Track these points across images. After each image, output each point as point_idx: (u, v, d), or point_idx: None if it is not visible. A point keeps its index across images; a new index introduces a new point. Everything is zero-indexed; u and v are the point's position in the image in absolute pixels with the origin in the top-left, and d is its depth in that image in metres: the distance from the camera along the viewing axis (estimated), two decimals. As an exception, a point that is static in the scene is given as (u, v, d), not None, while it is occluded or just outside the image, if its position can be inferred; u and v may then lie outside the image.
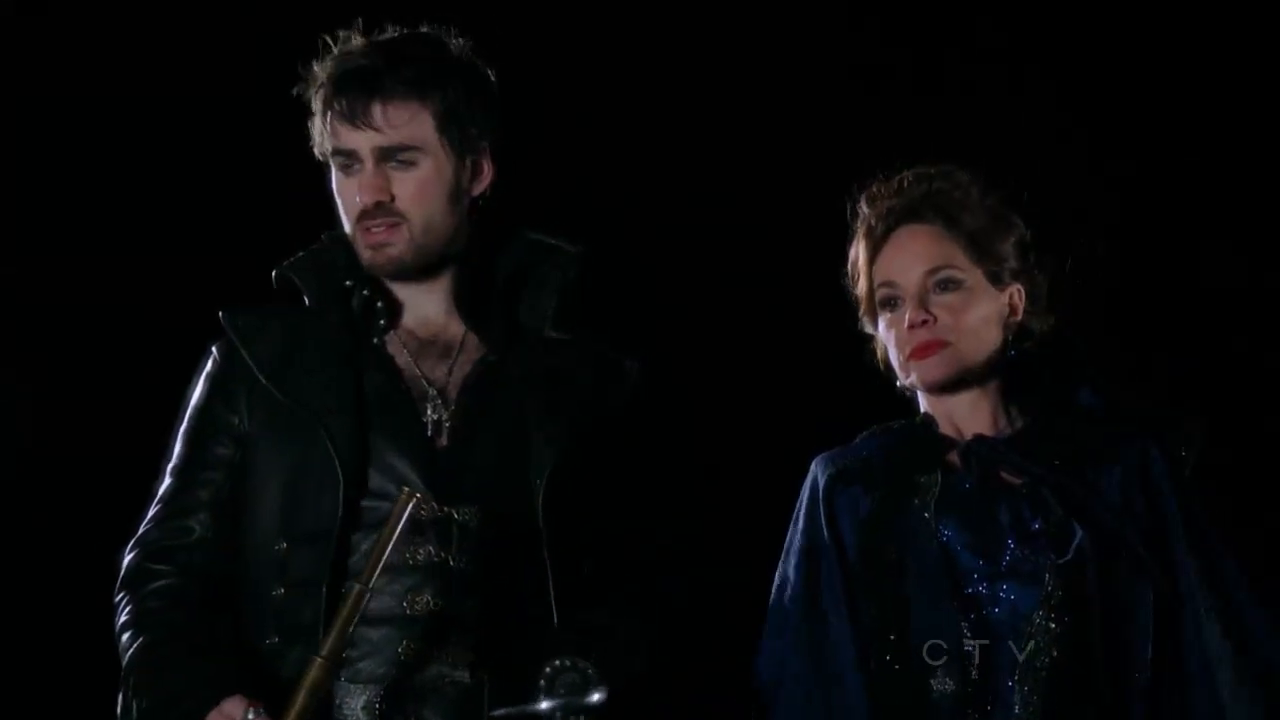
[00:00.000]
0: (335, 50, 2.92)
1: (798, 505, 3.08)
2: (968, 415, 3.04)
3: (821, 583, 2.96)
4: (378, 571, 2.69)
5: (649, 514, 3.00)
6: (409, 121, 2.86)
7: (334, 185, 2.93)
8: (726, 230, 3.88)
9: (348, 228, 2.93)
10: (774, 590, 3.03)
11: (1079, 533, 2.86)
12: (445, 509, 2.85)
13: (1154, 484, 2.95)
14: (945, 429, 3.06)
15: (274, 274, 3.00)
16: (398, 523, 2.69)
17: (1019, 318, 3.07)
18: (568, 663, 2.67)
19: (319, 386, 2.89)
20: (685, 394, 3.22)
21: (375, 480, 2.86)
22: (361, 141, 2.87)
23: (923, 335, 2.99)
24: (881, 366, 3.14)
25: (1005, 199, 3.09)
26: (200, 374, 2.98)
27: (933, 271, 3.01)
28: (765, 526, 3.13)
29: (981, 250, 3.03)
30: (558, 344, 3.01)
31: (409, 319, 3.00)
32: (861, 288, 3.09)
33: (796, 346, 3.82)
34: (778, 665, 2.97)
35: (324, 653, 2.67)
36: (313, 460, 2.85)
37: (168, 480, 2.93)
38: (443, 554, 2.84)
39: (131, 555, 2.89)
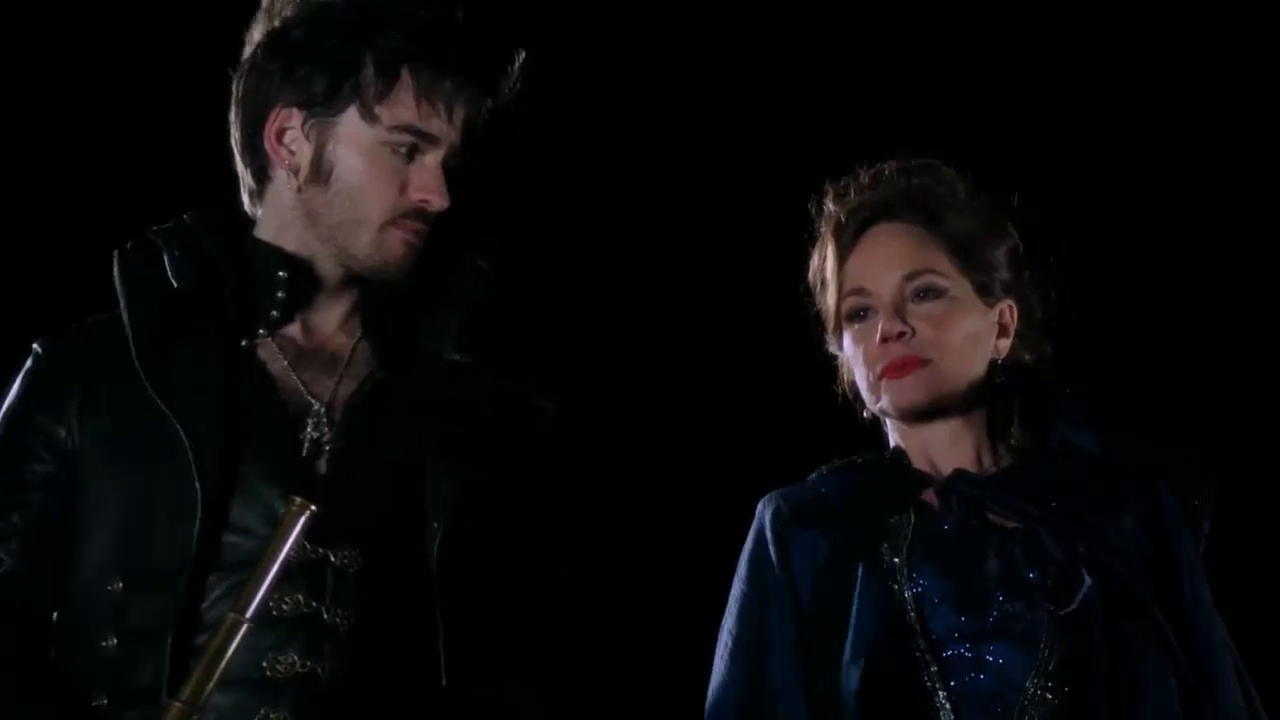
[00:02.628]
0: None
1: (743, 556, 2.60)
2: (947, 449, 2.58)
3: (771, 641, 2.48)
4: (257, 600, 2.20)
5: (564, 578, 2.51)
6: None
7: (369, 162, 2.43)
8: (663, 246, 3.38)
9: (376, 214, 2.44)
10: (718, 657, 2.54)
11: (1086, 581, 2.39)
12: (320, 550, 2.34)
13: (1170, 539, 2.48)
14: (919, 464, 2.59)
15: (130, 245, 2.46)
16: (287, 538, 2.20)
17: (1010, 340, 2.61)
18: None
19: (190, 386, 2.38)
20: (607, 440, 2.71)
21: (237, 511, 2.35)
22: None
23: (898, 350, 2.52)
24: (848, 392, 2.68)
25: (996, 202, 2.63)
26: (18, 375, 2.47)
27: (911, 277, 2.55)
28: (706, 589, 2.64)
29: (969, 256, 2.58)
30: (460, 369, 2.52)
31: (293, 322, 2.49)
32: (827, 299, 2.63)
33: (740, 379, 3.31)
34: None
35: (183, 696, 2.17)
36: (165, 481, 2.33)
37: None
38: (314, 604, 2.33)
39: None
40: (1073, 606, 2.38)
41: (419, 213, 2.46)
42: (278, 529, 2.22)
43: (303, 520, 2.21)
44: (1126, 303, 3.23)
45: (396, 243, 2.46)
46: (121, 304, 2.41)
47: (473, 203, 2.52)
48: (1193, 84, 3.40)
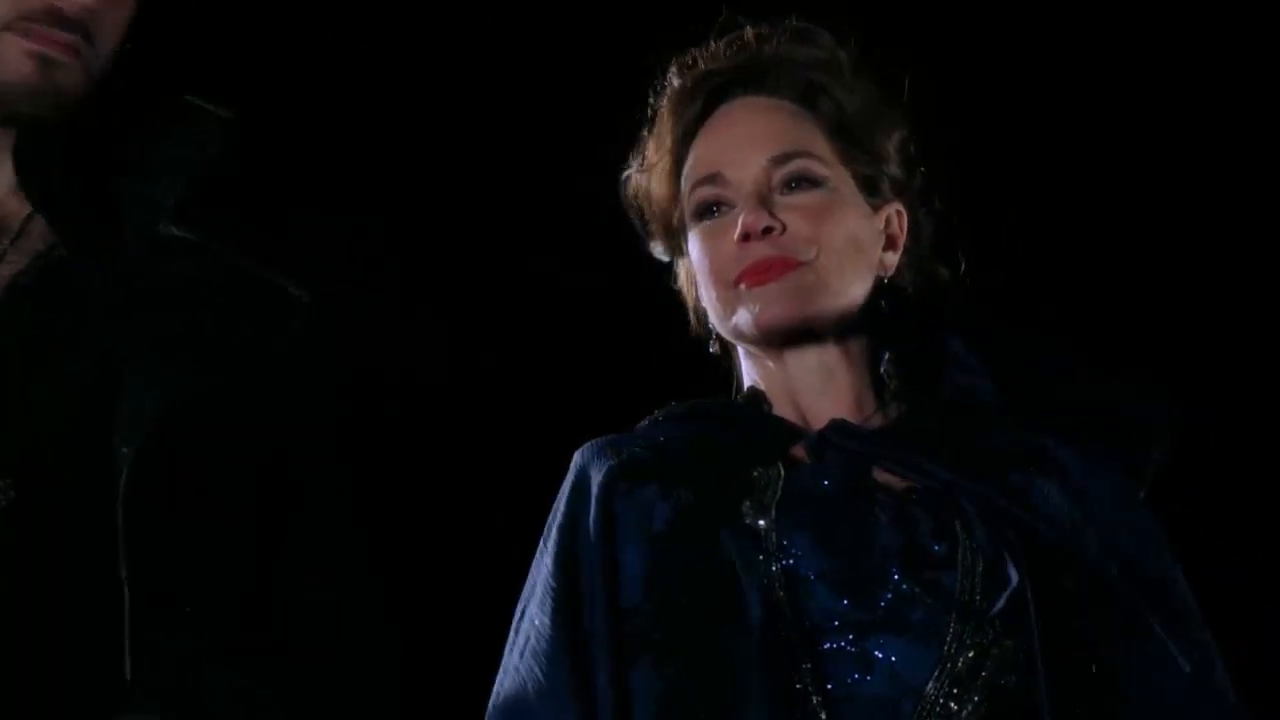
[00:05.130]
0: None
1: (551, 519, 1.96)
2: (818, 390, 1.98)
3: (586, 627, 1.85)
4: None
5: (319, 531, 1.88)
6: None
7: None
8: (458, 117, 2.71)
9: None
10: (511, 642, 1.90)
11: (1012, 574, 1.80)
12: None
13: (1112, 500, 1.90)
14: (783, 411, 1.99)
15: None
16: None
17: (898, 255, 2.03)
18: None
19: None
20: (381, 346, 2.05)
21: None
22: None
23: (763, 250, 1.93)
24: (692, 317, 2.07)
25: (886, 81, 2.05)
26: None
27: (781, 160, 1.96)
28: (499, 552, 2.00)
29: (853, 140, 2.00)
30: (180, 248, 1.89)
31: None
32: (660, 192, 2.02)
33: (550, 291, 2.66)
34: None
35: None
36: None
37: None
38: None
39: None
40: (1000, 604, 1.79)
41: (51, 13, 1.81)
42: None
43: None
44: (1039, 218, 2.61)
45: (18, 55, 1.82)
46: None
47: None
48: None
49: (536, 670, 1.84)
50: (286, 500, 1.87)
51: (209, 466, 1.79)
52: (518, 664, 1.87)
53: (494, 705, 1.90)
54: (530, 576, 1.94)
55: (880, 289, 2.01)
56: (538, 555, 1.94)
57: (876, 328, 2.02)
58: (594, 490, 1.91)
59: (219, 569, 1.80)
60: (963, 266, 2.06)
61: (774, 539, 1.84)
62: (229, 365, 1.84)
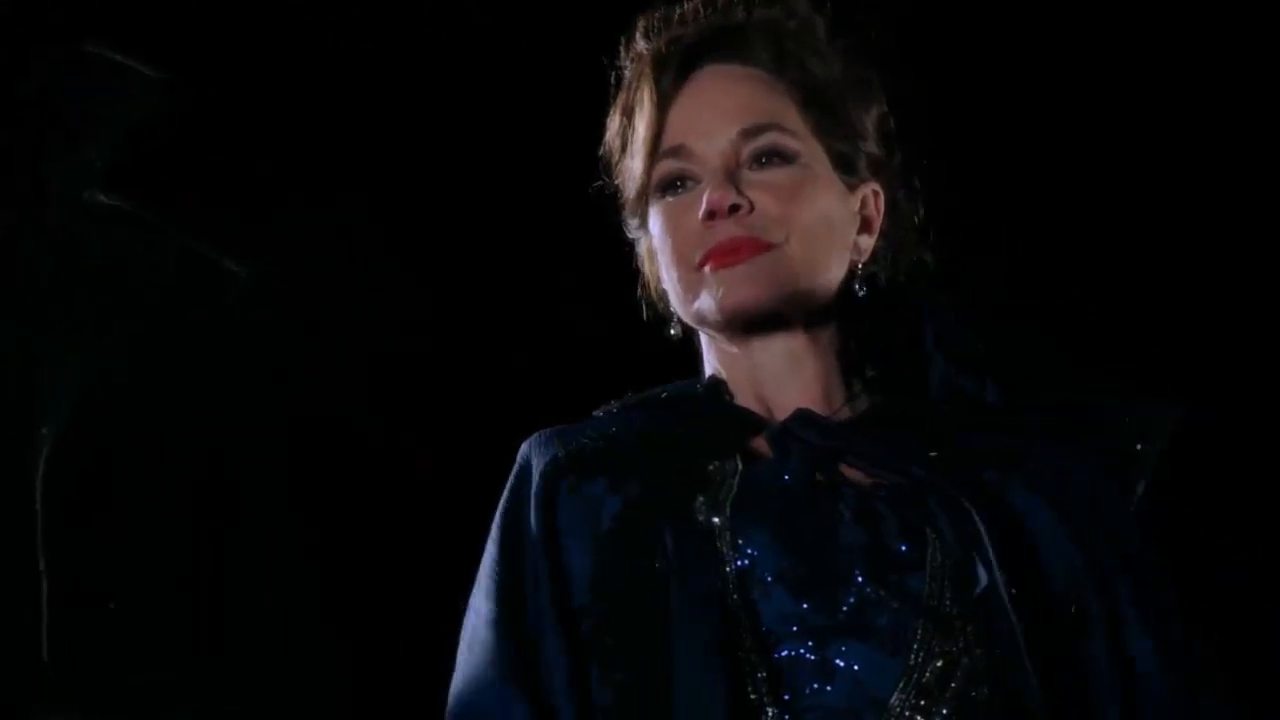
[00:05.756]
0: None
1: (498, 512, 1.84)
2: (784, 380, 1.86)
3: (538, 628, 1.73)
4: None
5: (248, 522, 1.79)
6: None
7: None
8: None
9: None
10: (463, 645, 1.78)
11: (982, 575, 1.68)
12: None
13: (1091, 501, 1.78)
14: (745, 401, 1.87)
15: None
16: None
17: (874, 238, 1.91)
18: None
19: None
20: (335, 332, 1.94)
21: None
22: None
23: (730, 230, 1.81)
24: (652, 294, 1.95)
25: (864, 52, 1.93)
26: None
27: (751, 133, 1.84)
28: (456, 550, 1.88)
29: (828, 113, 1.88)
30: (108, 217, 1.79)
31: None
32: (630, 164, 1.89)
33: (503, 275, 2.53)
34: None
35: None
36: None
37: None
38: None
39: None
40: (969, 609, 1.67)
41: None
42: None
43: None
44: (1026, 203, 2.48)
45: None
46: None
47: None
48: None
49: (477, 661, 1.74)
50: (224, 493, 1.76)
51: (138, 455, 1.69)
52: (464, 658, 1.76)
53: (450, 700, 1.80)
54: (480, 572, 1.82)
55: (854, 275, 1.89)
56: (488, 546, 1.83)
57: (848, 316, 1.90)
58: (534, 483, 1.79)
59: (149, 563, 1.70)
60: (933, 256, 1.93)
61: (728, 537, 1.72)
62: (160, 347, 1.74)
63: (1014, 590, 1.67)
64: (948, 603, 1.70)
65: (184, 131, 1.91)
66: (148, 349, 1.75)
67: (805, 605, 1.69)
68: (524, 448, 1.86)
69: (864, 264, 1.90)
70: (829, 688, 1.67)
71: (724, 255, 1.80)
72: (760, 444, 1.83)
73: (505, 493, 1.85)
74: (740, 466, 1.77)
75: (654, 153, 1.86)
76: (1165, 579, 1.79)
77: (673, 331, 1.93)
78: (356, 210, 2.27)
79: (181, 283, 1.82)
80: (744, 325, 1.84)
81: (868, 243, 1.91)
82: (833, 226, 1.86)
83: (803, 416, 1.83)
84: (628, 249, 2.00)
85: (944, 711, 1.67)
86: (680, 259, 1.84)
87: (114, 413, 1.71)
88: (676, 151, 1.85)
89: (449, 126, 2.46)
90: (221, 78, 2.03)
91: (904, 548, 1.71)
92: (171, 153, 1.88)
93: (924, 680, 1.68)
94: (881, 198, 1.92)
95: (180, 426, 1.78)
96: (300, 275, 2.07)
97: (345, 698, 2.02)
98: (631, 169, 1.89)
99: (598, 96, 1.99)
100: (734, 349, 1.87)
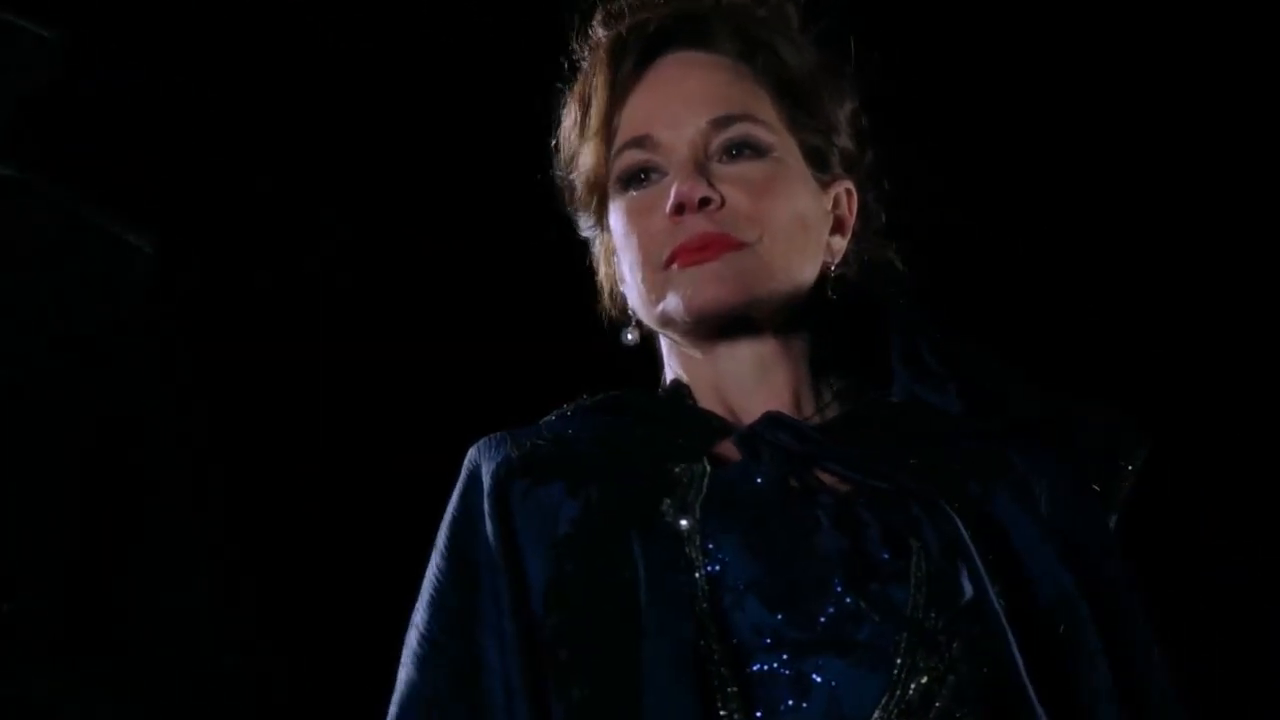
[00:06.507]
0: None
1: (445, 521, 1.72)
2: (750, 386, 1.76)
3: (482, 644, 1.62)
4: None
5: (150, 519, 1.68)
6: None
7: None
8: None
9: None
10: (404, 662, 1.65)
11: (966, 586, 1.58)
12: None
13: (1071, 516, 1.69)
14: (710, 407, 1.76)
15: None
16: None
17: (846, 239, 1.82)
18: None
19: None
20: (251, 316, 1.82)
21: None
22: None
23: (699, 225, 1.70)
24: (606, 300, 1.85)
25: (835, 44, 1.84)
26: None
27: (721, 124, 1.74)
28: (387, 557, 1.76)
29: (801, 105, 1.79)
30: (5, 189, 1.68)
31: None
32: (586, 157, 1.78)
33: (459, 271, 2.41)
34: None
35: None
36: None
37: None
38: None
39: None
40: (954, 622, 1.58)
41: None
42: None
43: None
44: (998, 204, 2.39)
45: None
46: None
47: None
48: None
49: (421, 679, 1.62)
50: (124, 488, 1.64)
51: (29, 446, 1.57)
52: (407, 674, 1.65)
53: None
54: (424, 584, 1.70)
55: (825, 278, 1.79)
56: (433, 557, 1.71)
57: (820, 320, 1.80)
58: (486, 488, 1.68)
59: (43, 561, 1.57)
60: (901, 261, 1.84)
61: (698, 542, 1.61)
62: (55, 328, 1.61)
63: (1004, 602, 1.57)
64: (933, 616, 1.59)
65: (87, 95, 1.77)
66: (41, 332, 1.62)
67: (780, 616, 1.59)
68: (471, 453, 1.75)
69: (835, 266, 1.81)
70: (805, 705, 1.56)
71: (693, 252, 1.70)
72: (728, 448, 1.73)
73: (453, 501, 1.73)
74: (709, 469, 1.67)
75: (610, 142, 1.76)
76: (1139, 603, 1.70)
77: (629, 337, 1.82)
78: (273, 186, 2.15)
79: (79, 259, 1.69)
80: (712, 328, 1.73)
81: (840, 244, 1.82)
82: (807, 226, 1.76)
83: (772, 419, 1.73)
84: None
85: None
86: (645, 257, 1.73)
87: (3, 402, 1.57)
88: (641, 142, 1.75)
89: (399, 117, 2.36)
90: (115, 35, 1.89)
91: (886, 556, 1.61)
92: (70, 118, 1.75)
93: (907, 698, 1.57)
94: (855, 197, 1.83)
95: (78, 415, 1.65)
96: (208, 248, 1.94)
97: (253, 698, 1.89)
98: (587, 163, 1.78)
99: (553, 93, 1.89)
100: (699, 354, 1.77)
